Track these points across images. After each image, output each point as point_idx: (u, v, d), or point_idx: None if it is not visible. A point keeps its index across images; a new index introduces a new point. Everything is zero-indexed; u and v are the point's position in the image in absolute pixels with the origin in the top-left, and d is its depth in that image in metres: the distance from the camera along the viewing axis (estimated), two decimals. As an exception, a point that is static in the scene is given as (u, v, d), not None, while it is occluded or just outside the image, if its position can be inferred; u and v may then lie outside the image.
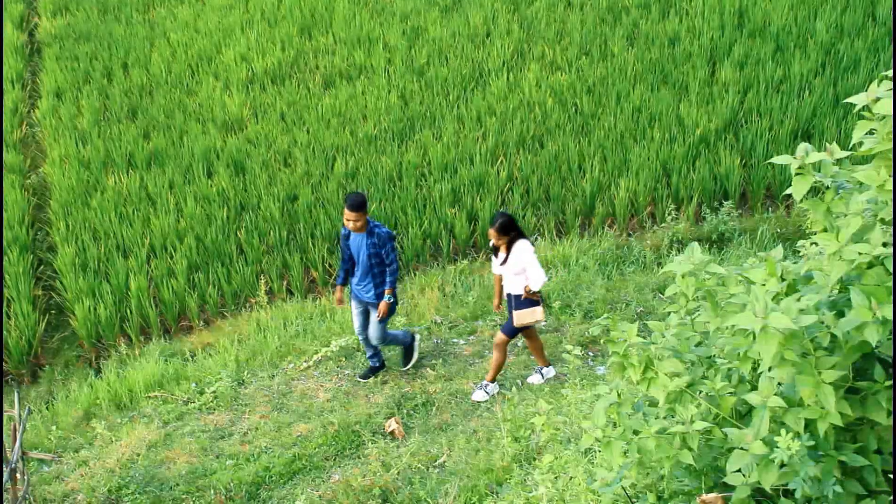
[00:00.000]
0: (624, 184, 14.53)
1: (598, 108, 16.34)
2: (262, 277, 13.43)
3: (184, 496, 9.23)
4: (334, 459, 9.63)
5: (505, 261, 10.07)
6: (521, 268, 10.00)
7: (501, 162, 15.24)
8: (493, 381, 10.53)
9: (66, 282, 13.39)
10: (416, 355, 11.13)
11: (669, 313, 4.22)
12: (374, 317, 10.50)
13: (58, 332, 13.39)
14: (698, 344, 4.49)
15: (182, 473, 9.61)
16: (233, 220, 14.36)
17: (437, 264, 13.85)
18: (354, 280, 10.59)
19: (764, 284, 3.81)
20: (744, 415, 4.24)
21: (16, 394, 9.07)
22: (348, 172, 15.08)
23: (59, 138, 16.40)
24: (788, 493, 3.74)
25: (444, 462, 9.13)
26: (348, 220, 10.11)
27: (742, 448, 3.75)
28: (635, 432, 4.28)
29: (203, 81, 17.81)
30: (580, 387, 8.87)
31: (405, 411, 10.39)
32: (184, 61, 18.46)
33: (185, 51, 18.77)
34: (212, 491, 9.22)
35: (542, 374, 10.75)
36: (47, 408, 11.66)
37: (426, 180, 15.01)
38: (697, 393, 4.18)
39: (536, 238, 13.98)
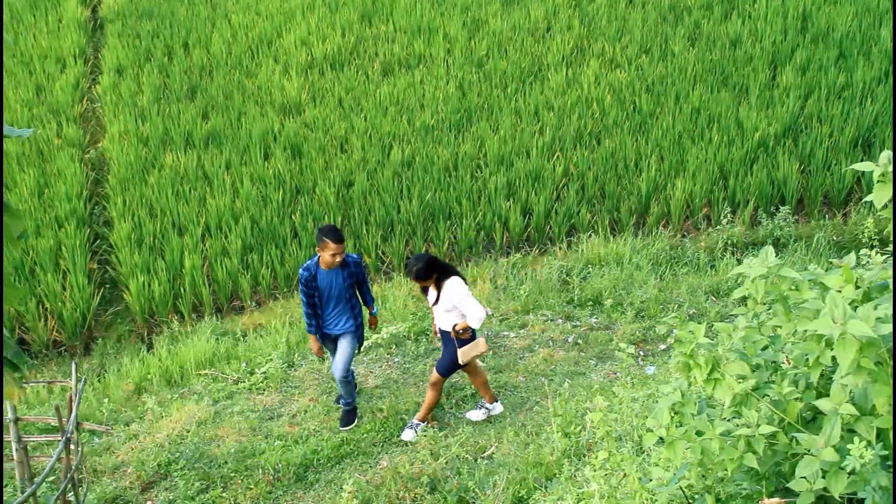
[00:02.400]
0: (680, 184, 14.44)
1: (657, 107, 16.25)
2: (314, 261, 13.50)
3: (232, 474, 9.30)
4: (382, 445, 9.67)
5: (437, 300, 9.36)
6: (452, 305, 9.29)
7: (558, 157, 15.20)
8: (423, 420, 9.82)
9: (121, 256, 13.54)
10: (354, 423, 10.15)
11: (721, 316, 4.18)
12: (347, 346, 9.77)
13: (111, 306, 13.55)
14: (765, 348, 4.46)
15: (231, 452, 9.70)
16: (288, 203, 14.44)
17: (490, 256, 13.86)
18: (325, 319, 9.77)
19: (840, 291, 3.78)
20: (808, 421, 4.22)
21: (73, 365, 9.18)
22: (404, 161, 15.11)
23: (118, 114, 16.58)
24: (853, 502, 3.72)
25: (493, 454, 9.13)
26: (335, 253, 9.35)
27: (811, 454, 3.72)
28: (698, 433, 4.26)
29: (262, 64, 17.91)
30: (631, 385, 8.84)
31: (454, 401, 10.39)
32: (244, 43, 18.58)
33: (245, 33, 18.89)
34: (260, 471, 9.28)
35: (486, 409, 10.00)
36: (99, 380, 11.80)
37: (482, 172, 15.01)
38: (763, 397, 4.16)
39: (591, 234, 13.95)
